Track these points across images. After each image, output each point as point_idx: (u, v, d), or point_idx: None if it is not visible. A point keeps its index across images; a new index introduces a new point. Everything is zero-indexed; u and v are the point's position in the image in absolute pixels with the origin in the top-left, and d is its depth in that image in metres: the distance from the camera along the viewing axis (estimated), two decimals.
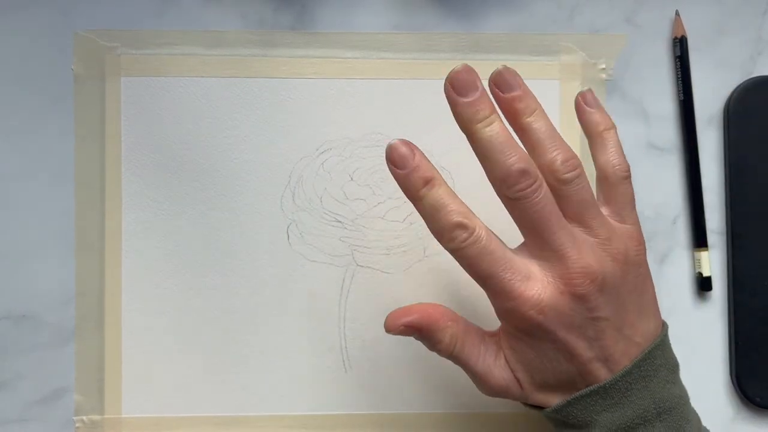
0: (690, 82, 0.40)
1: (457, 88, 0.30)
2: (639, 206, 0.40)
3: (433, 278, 0.40)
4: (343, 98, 0.40)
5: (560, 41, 0.40)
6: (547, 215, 0.30)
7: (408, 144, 0.31)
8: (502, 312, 0.31)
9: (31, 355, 0.39)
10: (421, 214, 0.31)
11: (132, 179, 0.39)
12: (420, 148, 0.40)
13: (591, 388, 0.30)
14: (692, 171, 0.40)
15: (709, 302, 0.40)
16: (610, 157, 0.33)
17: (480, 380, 0.32)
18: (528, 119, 0.31)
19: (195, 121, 0.39)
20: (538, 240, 0.30)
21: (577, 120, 0.40)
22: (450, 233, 0.30)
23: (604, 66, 0.40)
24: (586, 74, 0.40)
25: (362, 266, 0.40)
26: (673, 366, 0.32)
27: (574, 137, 0.40)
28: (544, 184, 0.30)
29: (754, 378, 0.39)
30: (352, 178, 0.40)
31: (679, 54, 0.40)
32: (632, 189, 0.33)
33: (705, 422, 0.40)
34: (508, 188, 0.30)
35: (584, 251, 0.30)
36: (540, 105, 0.31)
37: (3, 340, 0.39)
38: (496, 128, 0.30)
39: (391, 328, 0.32)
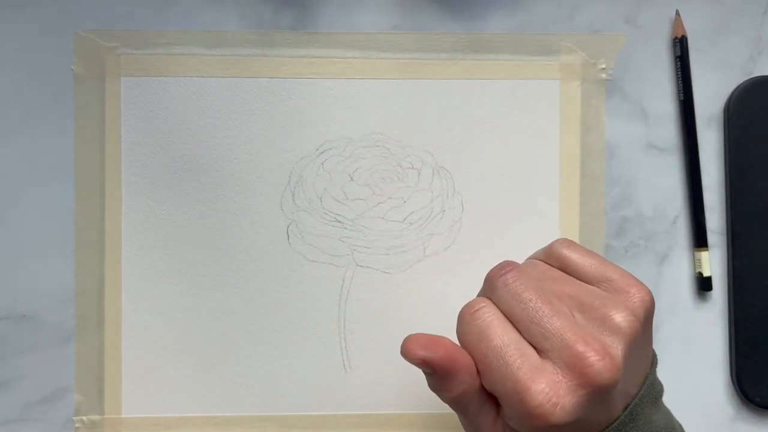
0: (690, 82, 0.40)
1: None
2: (639, 206, 0.40)
3: (433, 278, 0.40)
4: (343, 98, 0.40)
5: (560, 41, 0.40)
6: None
7: None
8: (504, 405, 0.28)
9: (31, 355, 0.39)
10: None
11: (132, 179, 0.39)
12: (420, 147, 0.40)
13: None
14: (692, 171, 0.40)
15: (709, 302, 0.40)
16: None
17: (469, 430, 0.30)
18: None
19: (195, 121, 0.39)
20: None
21: (576, 122, 0.40)
22: (466, 308, 0.29)
23: (604, 66, 0.40)
24: (586, 74, 0.40)
25: (362, 266, 0.40)
26: (656, 396, 0.31)
27: (574, 137, 0.40)
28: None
29: (754, 378, 0.39)
30: (352, 178, 0.40)
31: (679, 54, 0.40)
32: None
33: (705, 422, 0.40)
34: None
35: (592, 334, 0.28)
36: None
37: (3, 340, 0.39)
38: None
39: (409, 356, 0.28)
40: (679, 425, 0.32)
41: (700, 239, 0.40)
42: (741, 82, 0.40)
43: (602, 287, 0.30)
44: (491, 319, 0.28)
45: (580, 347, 0.26)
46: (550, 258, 0.31)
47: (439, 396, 0.29)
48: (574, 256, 0.31)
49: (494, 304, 0.29)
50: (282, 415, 0.39)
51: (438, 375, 0.28)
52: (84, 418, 0.39)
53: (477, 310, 0.29)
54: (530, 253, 0.40)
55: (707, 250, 0.40)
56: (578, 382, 0.26)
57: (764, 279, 0.39)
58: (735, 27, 0.41)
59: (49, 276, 0.39)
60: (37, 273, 0.39)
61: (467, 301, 0.30)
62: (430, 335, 0.29)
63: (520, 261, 0.40)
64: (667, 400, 0.40)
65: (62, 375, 0.39)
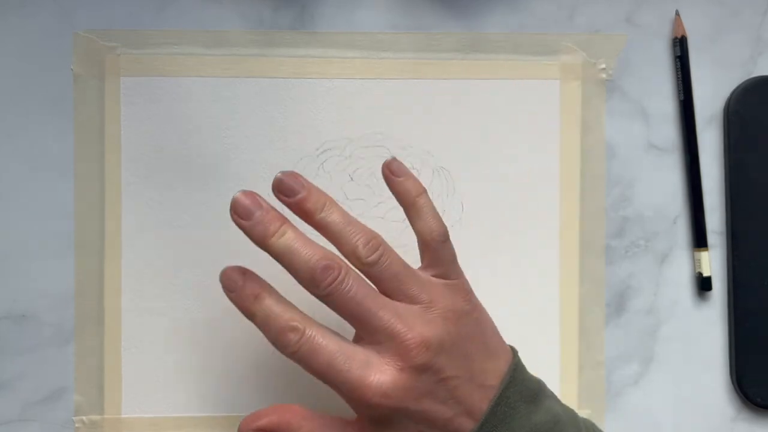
0: (690, 82, 0.40)
1: (240, 213, 0.31)
2: (639, 206, 0.40)
3: None
4: (343, 98, 0.40)
5: (560, 41, 0.40)
6: (362, 299, 0.30)
7: (238, 269, 0.31)
8: (352, 405, 0.31)
9: (31, 355, 0.39)
10: (258, 329, 0.31)
11: (132, 179, 0.39)
12: (420, 147, 0.40)
13: None
14: (692, 171, 0.40)
15: (709, 302, 0.40)
16: (427, 223, 0.33)
17: None
18: (321, 215, 0.32)
19: (195, 121, 0.39)
20: (365, 326, 0.30)
21: (576, 122, 0.40)
22: (283, 339, 0.30)
23: (604, 66, 0.40)
24: (586, 74, 0.40)
25: None
26: (531, 395, 0.32)
27: (574, 137, 0.40)
28: (351, 271, 0.31)
29: (755, 378, 0.39)
30: (352, 178, 0.40)
31: (679, 54, 0.40)
32: (452, 247, 0.34)
33: (705, 422, 0.40)
34: (317, 287, 0.30)
35: (411, 322, 0.30)
36: (329, 197, 0.32)
37: (3, 340, 0.39)
38: (290, 235, 0.31)
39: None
40: (571, 418, 0.33)
41: (700, 239, 0.40)
42: (741, 82, 0.40)
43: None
44: (318, 339, 0.30)
45: (403, 336, 0.30)
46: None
47: None
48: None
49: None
50: None
51: None
52: (84, 418, 0.39)
53: (297, 340, 0.30)
54: (529, 252, 0.40)
55: (707, 250, 0.40)
56: (401, 364, 0.30)
57: (764, 279, 0.39)
58: (735, 27, 0.41)
59: (49, 276, 0.39)
60: (37, 273, 0.39)
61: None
62: (257, 411, 0.32)
63: (519, 262, 0.40)
64: (668, 400, 0.41)
65: (62, 375, 0.39)
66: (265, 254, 0.39)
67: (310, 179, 0.39)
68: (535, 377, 0.33)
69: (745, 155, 0.40)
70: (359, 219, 0.39)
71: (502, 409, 0.31)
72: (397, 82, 0.40)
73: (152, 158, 0.39)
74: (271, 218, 0.31)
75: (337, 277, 0.30)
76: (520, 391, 0.32)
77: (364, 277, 0.31)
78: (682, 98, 0.40)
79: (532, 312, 0.40)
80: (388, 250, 0.32)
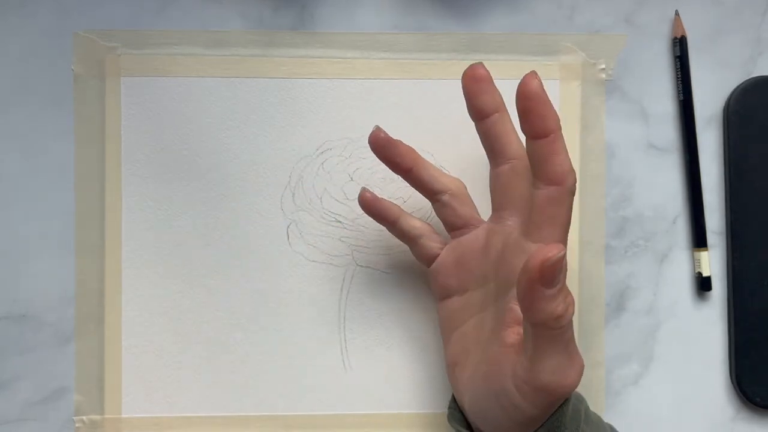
0: (690, 82, 0.40)
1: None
2: (639, 206, 0.40)
3: None
4: (343, 98, 0.40)
5: (560, 41, 0.40)
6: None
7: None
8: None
9: (31, 355, 0.39)
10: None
11: (132, 179, 0.39)
12: (420, 147, 0.40)
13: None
14: (692, 171, 0.40)
15: (709, 302, 0.40)
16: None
17: None
18: None
19: (195, 121, 0.39)
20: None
21: (576, 122, 0.40)
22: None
23: (604, 66, 0.40)
24: (586, 74, 0.40)
25: (362, 266, 0.40)
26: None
27: (574, 137, 0.40)
28: None
29: (754, 378, 0.39)
30: (352, 178, 0.40)
31: (678, 54, 0.40)
32: None
33: (705, 422, 0.40)
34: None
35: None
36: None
37: (3, 340, 0.39)
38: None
39: None
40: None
41: (699, 239, 0.40)
42: (741, 82, 0.40)
43: None
44: None
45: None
46: None
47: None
48: None
49: None
50: (282, 415, 0.39)
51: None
52: (84, 418, 0.39)
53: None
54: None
55: (707, 250, 0.40)
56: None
57: (764, 279, 0.39)
58: (735, 27, 0.41)
59: (49, 276, 0.39)
60: (37, 273, 0.39)
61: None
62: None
63: None
64: (667, 400, 0.41)
65: (62, 375, 0.39)
66: (265, 256, 0.39)
67: (309, 179, 0.40)
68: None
69: (745, 155, 0.40)
70: (360, 219, 0.39)
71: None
72: (397, 82, 0.40)
73: (152, 158, 0.39)
74: None
75: None
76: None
77: None
78: (681, 98, 0.40)
79: None
80: None
